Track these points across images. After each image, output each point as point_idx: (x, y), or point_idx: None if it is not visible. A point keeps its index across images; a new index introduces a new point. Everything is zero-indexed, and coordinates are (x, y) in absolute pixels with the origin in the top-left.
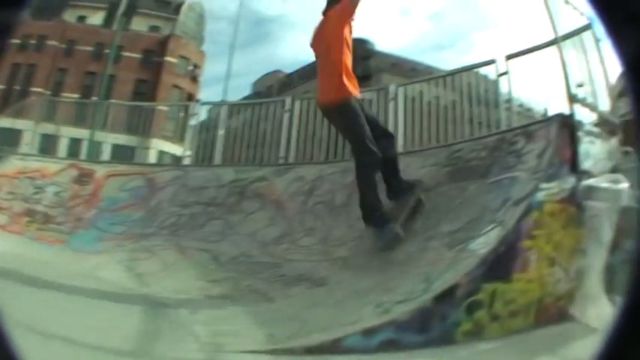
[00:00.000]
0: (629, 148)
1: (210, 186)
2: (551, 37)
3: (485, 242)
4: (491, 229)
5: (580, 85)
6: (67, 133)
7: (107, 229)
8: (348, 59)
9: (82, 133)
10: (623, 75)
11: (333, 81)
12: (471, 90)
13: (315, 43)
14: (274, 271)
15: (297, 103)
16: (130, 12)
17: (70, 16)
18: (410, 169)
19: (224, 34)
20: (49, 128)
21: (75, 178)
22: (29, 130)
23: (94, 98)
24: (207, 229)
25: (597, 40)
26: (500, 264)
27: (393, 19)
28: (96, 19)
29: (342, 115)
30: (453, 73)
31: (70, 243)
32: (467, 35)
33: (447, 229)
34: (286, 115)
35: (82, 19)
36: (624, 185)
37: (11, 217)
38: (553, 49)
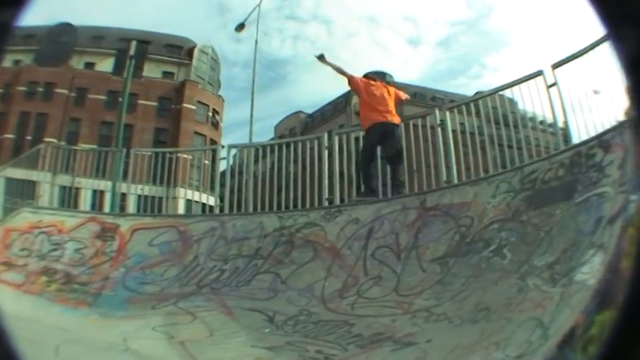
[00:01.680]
0: None
1: (252, 236)
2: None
3: (590, 271)
4: (593, 254)
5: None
6: (86, 184)
7: (138, 288)
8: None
9: (102, 184)
10: (623, 75)
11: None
12: (497, 113)
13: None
14: (345, 331)
15: (336, 139)
16: (141, 58)
17: (77, 62)
18: (480, 199)
19: (239, 79)
20: (65, 180)
21: (97, 233)
22: (44, 181)
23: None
24: (254, 285)
25: None
26: (609, 291)
27: (405, 51)
28: (105, 65)
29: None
30: (498, 91)
31: (95, 306)
32: (478, 59)
33: (542, 262)
34: (325, 153)
35: (90, 65)
36: None
37: (27, 275)
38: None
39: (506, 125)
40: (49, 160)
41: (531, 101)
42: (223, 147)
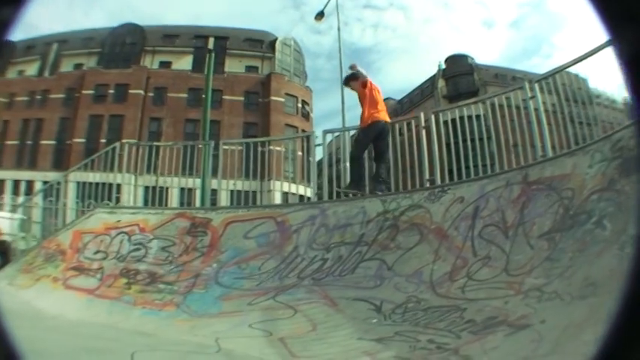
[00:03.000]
0: None
1: (354, 222)
2: None
3: None
4: None
5: None
6: (173, 183)
7: (232, 284)
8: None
9: (190, 182)
10: (623, 75)
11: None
12: (566, 90)
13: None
14: (457, 317)
15: (432, 118)
16: (221, 53)
17: (150, 62)
18: (578, 170)
19: (324, 70)
20: (148, 179)
21: (186, 229)
22: (124, 182)
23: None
24: (359, 273)
25: None
26: None
27: (480, 33)
28: (182, 63)
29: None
30: (572, 65)
31: (184, 306)
32: (547, 38)
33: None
34: (423, 132)
35: (165, 64)
36: None
37: (101, 279)
38: None
39: (576, 102)
40: (128, 159)
41: (600, 76)
42: (317, 136)
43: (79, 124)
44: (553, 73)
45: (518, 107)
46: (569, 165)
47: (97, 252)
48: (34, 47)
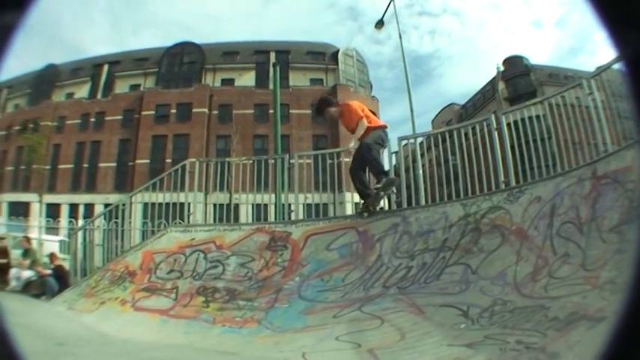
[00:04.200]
0: None
1: (437, 228)
2: None
3: None
4: None
5: None
6: (245, 199)
7: (316, 297)
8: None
9: (264, 198)
10: (624, 76)
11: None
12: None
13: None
14: (542, 316)
15: (503, 119)
16: (283, 67)
17: (212, 80)
18: (637, 161)
19: (387, 79)
20: (220, 196)
21: (265, 243)
22: (194, 200)
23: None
24: (444, 279)
25: None
26: None
27: (531, 34)
28: (245, 79)
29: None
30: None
31: (266, 322)
32: (589, 35)
33: None
34: (495, 134)
35: (228, 81)
36: None
37: (176, 299)
38: None
39: (621, 97)
40: (199, 177)
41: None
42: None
43: (142, 144)
44: (605, 69)
45: (573, 105)
46: (629, 158)
47: (170, 271)
48: (81, 69)
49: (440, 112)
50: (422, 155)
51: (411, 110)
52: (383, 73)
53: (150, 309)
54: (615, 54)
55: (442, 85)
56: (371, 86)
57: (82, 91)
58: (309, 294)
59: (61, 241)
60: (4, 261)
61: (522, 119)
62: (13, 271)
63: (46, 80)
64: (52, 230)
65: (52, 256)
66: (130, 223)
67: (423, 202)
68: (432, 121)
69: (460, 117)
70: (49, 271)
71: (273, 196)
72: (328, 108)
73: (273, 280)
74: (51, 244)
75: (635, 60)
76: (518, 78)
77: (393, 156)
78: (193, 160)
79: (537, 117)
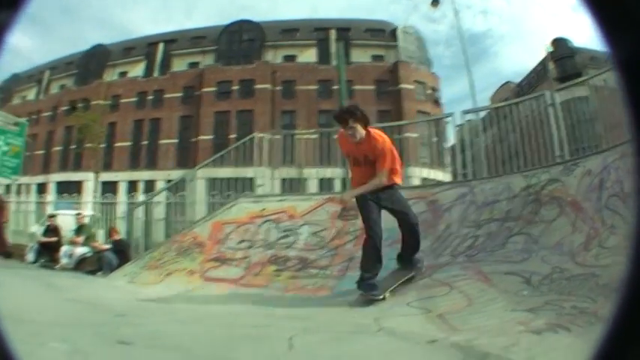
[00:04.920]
0: None
1: (501, 199)
2: None
3: None
4: None
5: None
6: (311, 174)
7: (388, 265)
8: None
9: (328, 172)
10: (617, 77)
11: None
12: None
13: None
14: (593, 284)
15: (557, 96)
16: (345, 45)
17: (273, 57)
18: None
19: (444, 57)
20: (286, 170)
21: (337, 213)
22: (261, 174)
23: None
24: (509, 247)
25: None
26: None
27: (572, 16)
28: (306, 56)
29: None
30: None
31: (338, 289)
32: None
33: None
34: (551, 110)
35: (289, 58)
36: None
37: (247, 268)
38: None
39: None
40: (269, 149)
41: None
42: (448, 120)
43: (204, 121)
44: None
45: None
46: None
47: (241, 241)
48: (134, 49)
49: (497, 90)
50: (484, 129)
51: (472, 87)
52: (440, 51)
53: (219, 279)
54: (609, 55)
55: (498, 64)
56: (430, 63)
57: (136, 70)
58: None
59: (91, 216)
60: (54, 239)
61: (568, 100)
62: (64, 249)
63: (95, 60)
64: (109, 205)
65: (111, 230)
66: (196, 195)
67: (485, 174)
68: (490, 98)
69: (517, 95)
70: (107, 246)
71: (338, 170)
72: (354, 121)
73: (345, 248)
74: (65, 218)
75: (629, 61)
76: (564, 59)
77: (457, 130)
78: (261, 134)
79: (581, 98)
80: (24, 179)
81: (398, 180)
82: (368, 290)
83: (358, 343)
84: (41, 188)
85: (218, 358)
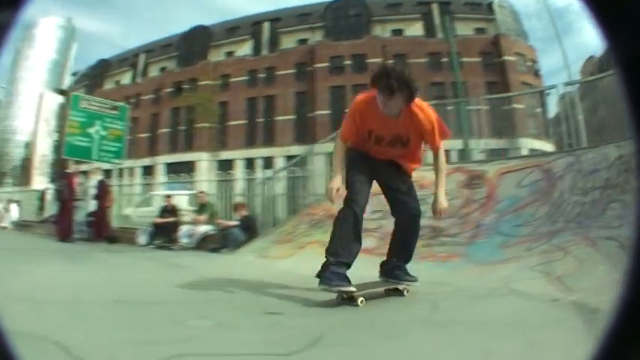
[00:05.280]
0: None
1: (600, 168)
2: None
3: None
4: None
5: None
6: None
7: (511, 232)
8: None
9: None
10: (618, 77)
11: None
12: None
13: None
14: None
15: None
16: (449, 18)
17: (381, 31)
18: None
19: (536, 29)
20: None
21: (463, 182)
22: None
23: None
24: (608, 214)
25: None
26: None
27: None
28: (414, 30)
29: None
30: None
31: (468, 255)
32: None
33: None
34: None
35: (397, 32)
36: None
37: (382, 238)
38: None
39: None
40: None
41: None
42: (553, 87)
43: (320, 96)
44: None
45: None
46: None
47: (374, 212)
48: (238, 28)
49: (584, 64)
50: (581, 100)
51: (565, 58)
52: (532, 24)
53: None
54: (610, 54)
55: (582, 38)
56: (527, 35)
57: (243, 49)
58: (505, 229)
59: (190, 195)
60: (173, 219)
61: None
62: (183, 229)
63: (197, 41)
64: (226, 183)
65: (237, 206)
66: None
67: (585, 144)
68: (580, 71)
69: (600, 68)
70: (234, 222)
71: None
72: (401, 91)
73: (472, 216)
74: (180, 199)
75: (629, 61)
76: None
77: (559, 101)
78: None
79: None
80: (128, 162)
81: (420, 165)
82: (330, 281)
83: (492, 303)
84: (147, 171)
85: (380, 319)
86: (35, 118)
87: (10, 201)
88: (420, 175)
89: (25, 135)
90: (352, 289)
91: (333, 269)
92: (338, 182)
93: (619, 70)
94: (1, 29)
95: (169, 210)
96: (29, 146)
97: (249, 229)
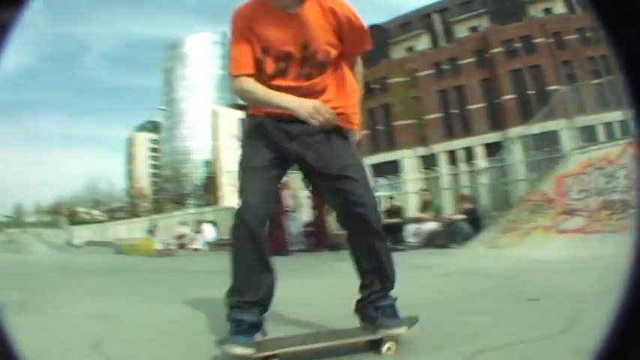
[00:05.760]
0: None
1: None
2: None
3: None
4: None
5: None
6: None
7: None
8: None
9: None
10: (620, 75)
11: None
12: None
13: None
14: None
15: None
16: None
17: (536, 11)
18: None
19: None
20: (583, 120)
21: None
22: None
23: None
24: None
25: None
26: None
27: None
28: (560, 7)
29: None
30: None
31: None
32: None
33: None
34: None
35: (547, 10)
36: None
37: (588, 216)
38: None
39: None
40: (566, 106)
41: None
42: None
43: (502, 81)
44: None
45: None
46: None
47: (580, 191)
48: (410, 23)
49: None
50: None
51: None
52: None
53: (569, 230)
54: (612, 51)
55: None
56: None
57: (422, 43)
58: None
59: (438, 191)
60: (397, 220)
61: None
62: (409, 229)
63: (374, 40)
64: (434, 179)
65: (461, 198)
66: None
67: None
68: None
69: None
70: (462, 216)
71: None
72: None
73: None
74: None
75: (633, 57)
76: None
77: None
78: (559, 91)
79: None
80: None
81: (356, 121)
82: (232, 335)
83: None
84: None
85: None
86: (212, 136)
87: (200, 222)
88: (607, 152)
89: (203, 154)
90: (247, 351)
91: (234, 316)
92: (305, 100)
93: (621, 67)
94: (3, 28)
95: (394, 211)
96: (210, 164)
97: (475, 221)
